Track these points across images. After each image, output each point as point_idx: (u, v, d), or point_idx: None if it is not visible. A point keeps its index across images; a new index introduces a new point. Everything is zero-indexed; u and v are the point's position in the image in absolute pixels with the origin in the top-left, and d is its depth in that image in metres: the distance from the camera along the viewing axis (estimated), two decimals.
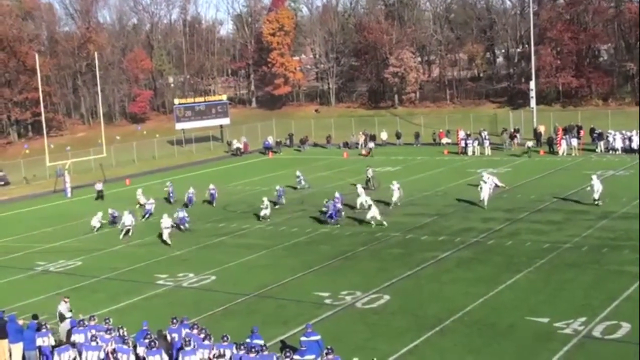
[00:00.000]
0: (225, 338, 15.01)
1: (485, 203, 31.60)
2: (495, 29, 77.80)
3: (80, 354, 15.68)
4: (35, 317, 17.85)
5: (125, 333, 16.12)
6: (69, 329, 17.03)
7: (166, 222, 30.21)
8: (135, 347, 15.47)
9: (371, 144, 54.64)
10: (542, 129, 52.56)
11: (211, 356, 14.67)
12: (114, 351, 15.38)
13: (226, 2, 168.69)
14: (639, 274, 20.88)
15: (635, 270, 21.38)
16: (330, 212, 30.53)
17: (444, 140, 55.85)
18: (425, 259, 24.46)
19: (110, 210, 34.25)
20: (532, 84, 56.44)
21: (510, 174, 40.45)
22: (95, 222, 33.29)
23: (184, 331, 15.88)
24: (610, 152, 47.01)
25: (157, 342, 15.17)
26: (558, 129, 49.45)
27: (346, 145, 59.61)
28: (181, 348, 15.05)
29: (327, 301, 20.64)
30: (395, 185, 33.45)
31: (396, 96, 77.33)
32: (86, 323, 16.81)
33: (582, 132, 49.66)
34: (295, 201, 36.97)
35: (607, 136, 48.04)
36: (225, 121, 67.48)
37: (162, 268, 25.81)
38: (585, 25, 68.30)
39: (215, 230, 31.75)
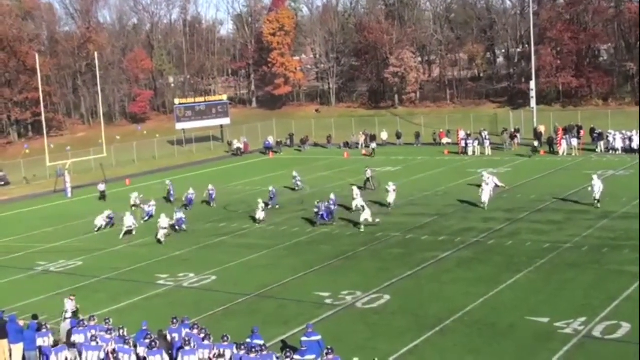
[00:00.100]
0: (225, 338, 15.03)
1: (486, 205, 31.49)
2: (495, 29, 77.79)
3: (80, 354, 15.70)
4: (35, 317, 17.86)
5: (126, 333, 16.13)
6: (69, 329, 17.04)
7: (164, 222, 30.32)
8: (135, 347, 15.48)
9: (373, 144, 54.58)
10: (542, 129, 52.54)
11: (211, 356, 14.69)
12: (114, 351, 15.40)
13: (226, 2, 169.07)
14: (639, 273, 20.89)
15: (635, 270, 21.39)
16: (321, 213, 30.42)
17: (445, 140, 55.85)
18: (425, 259, 24.46)
19: (107, 212, 34.16)
20: (532, 84, 56.44)
21: (510, 174, 40.46)
22: (100, 221, 33.34)
23: (184, 331, 15.89)
24: (611, 152, 47.00)
25: (157, 342, 15.18)
26: (558, 129, 49.44)
27: (347, 145, 59.61)
28: (181, 347, 15.07)
29: (328, 301, 20.65)
30: (391, 187, 33.29)
31: (396, 96, 77.32)
32: (86, 323, 16.83)
33: (582, 132, 49.66)
34: (295, 201, 36.98)
35: (607, 136, 48.03)
36: (226, 121, 67.49)
37: (162, 268, 25.82)
38: (585, 25, 68.29)
39: (216, 230, 31.76)
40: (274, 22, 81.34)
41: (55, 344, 15.97)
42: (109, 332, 16.07)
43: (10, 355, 16.90)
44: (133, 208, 36.41)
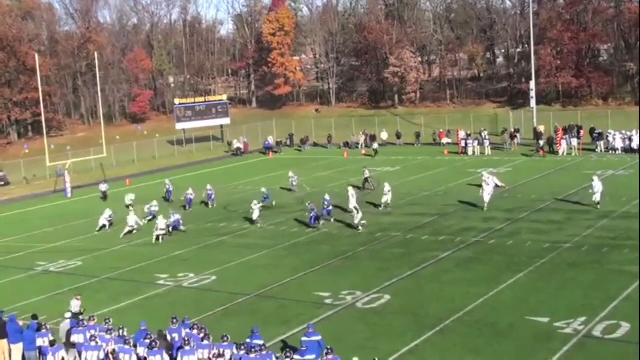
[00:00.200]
0: (225, 338, 15.02)
1: (486, 206, 31.39)
2: (495, 29, 77.78)
3: (80, 354, 15.70)
4: (35, 317, 17.84)
5: (126, 333, 16.12)
6: (69, 329, 17.03)
7: (161, 223, 30.36)
8: (135, 347, 15.47)
9: (375, 145, 54.50)
10: (542, 129, 52.53)
11: (211, 356, 14.69)
12: (114, 352, 15.39)
13: (226, 2, 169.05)
14: (639, 273, 20.88)
15: (635, 269, 21.39)
16: (312, 214, 30.27)
17: (444, 140, 55.85)
18: (425, 258, 24.46)
19: (108, 212, 34.16)
20: (532, 84, 56.43)
21: (510, 174, 40.46)
22: (102, 220, 33.38)
23: (184, 331, 15.89)
24: (610, 152, 47.01)
25: (157, 342, 15.17)
26: (558, 129, 49.44)
27: (347, 145, 59.62)
28: (181, 347, 15.07)
29: (328, 301, 20.65)
30: (386, 188, 33.09)
31: (396, 96, 77.33)
32: (86, 323, 16.82)
33: (582, 132, 49.65)
34: (295, 201, 36.96)
35: (607, 136, 48.05)
36: (226, 121, 67.49)
37: (162, 268, 25.81)
38: (585, 25, 68.28)
39: (216, 230, 31.75)
40: (274, 22, 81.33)
41: (52, 343, 15.97)
42: (108, 332, 16.06)
43: (10, 355, 16.89)
44: (129, 209, 36.42)
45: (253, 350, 14.26)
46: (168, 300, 22.11)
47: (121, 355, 15.11)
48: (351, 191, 32.53)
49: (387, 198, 32.90)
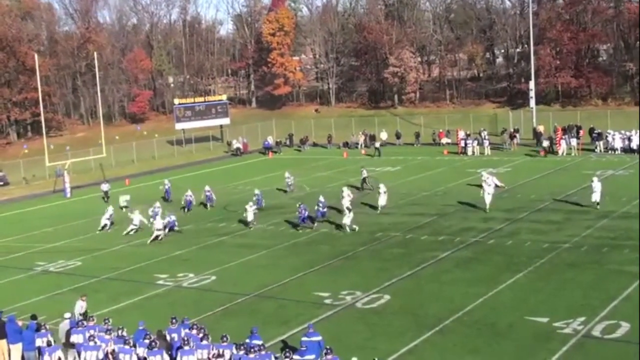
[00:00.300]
0: (224, 338, 15.02)
1: (488, 207, 31.13)
2: (494, 29, 77.80)
3: (79, 354, 15.69)
4: (34, 317, 17.83)
5: (125, 333, 16.12)
6: (68, 329, 17.02)
7: (158, 223, 30.41)
8: (135, 347, 15.46)
9: (377, 144, 54.44)
10: (541, 128, 52.59)
11: (210, 356, 14.69)
12: (114, 352, 15.38)
13: (226, 2, 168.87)
14: (639, 273, 20.89)
15: (634, 269, 21.40)
16: (302, 216, 30.09)
17: (444, 140, 55.88)
18: (425, 258, 24.47)
19: (109, 212, 34.19)
20: (532, 84, 56.45)
21: (510, 174, 40.47)
22: (104, 220, 33.39)
23: (184, 331, 15.89)
24: (610, 152, 47.03)
25: (157, 342, 15.17)
26: (557, 129, 49.47)
27: (346, 145, 59.63)
28: (180, 347, 15.08)
29: (327, 301, 20.65)
30: (382, 189, 32.89)
31: (396, 96, 77.33)
32: (85, 323, 16.81)
33: (581, 132, 49.68)
34: (295, 201, 36.91)
35: (607, 136, 48.06)
36: (225, 121, 67.48)
37: (162, 268, 25.80)
38: (585, 25, 68.29)
39: (216, 230, 31.75)
40: (274, 22, 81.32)
41: (49, 343, 15.95)
42: (108, 332, 16.06)
43: (9, 355, 16.87)
44: (123, 210, 36.37)
45: (252, 350, 14.26)
46: (168, 300, 22.11)
47: (121, 356, 15.10)
48: (346, 191, 32.40)
49: (382, 200, 32.67)
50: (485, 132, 52.49)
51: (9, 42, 71.59)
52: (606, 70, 68.76)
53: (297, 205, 31.03)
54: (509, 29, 76.03)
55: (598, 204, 29.86)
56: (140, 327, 16.32)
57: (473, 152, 50.80)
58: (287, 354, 13.70)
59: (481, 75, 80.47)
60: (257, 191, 35.71)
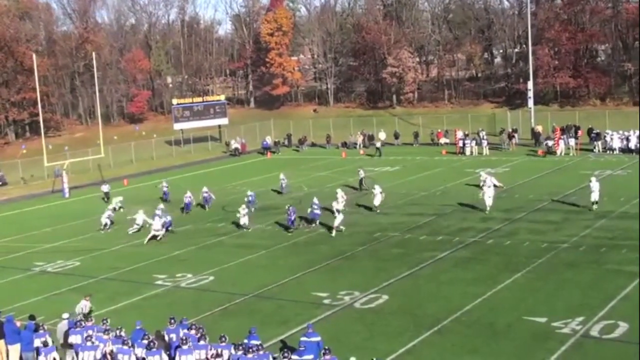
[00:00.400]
0: (223, 338, 15.02)
1: (488, 209, 30.97)
2: (493, 29, 77.87)
3: (77, 354, 15.67)
4: (32, 317, 17.81)
5: (123, 334, 16.10)
6: (67, 329, 17.01)
7: (157, 224, 30.45)
8: (133, 347, 15.44)
9: (379, 144, 54.35)
10: (540, 129, 52.63)
11: (209, 356, 14.68)
12: (112, 352, 15.37)
13: (224, 2, 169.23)
14: (639, 273, 20.90)
15: (633, 269, 21.42)
16: (291, 218, 29.93)
17: (442, 140, 55.90)
18: (423, 258, 24.47)
19: (109, 211, 34.17)
20: (530, 84, 56.49)
21: (508, 174, 40.49)
22: (105, 219, 33.38)
23: (182, 332, 15.88)
24: (608, 152, 47.07)
25: (155, 342, 15.16)
26: (556, 129, 49.51)
27: (345, 145, 59.64)
28: (179, 346, 15.08)
29: (326, 301, 20.65)
30: (377, 190, 32.76)
31: (394, 96, 77.37)
32: (83, 324, 16.78)
33: (580, 132, 49.71)
34: (293, 201, 36.92)
35: (605, 136, 48.11)
36: (224, 121, 67.47)
37: (160, 268, 25.78)
38: (583, 25, 68.37)
39: (214, 230, 31.73)
40: (272, 22, 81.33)
41: (45, 344, 15.95)
42: (106, 332, 16.05)
43: (7, 356, 16.85)
44: (115, 211, 36.22)
45: (250, 350, 14.26)
46: (166, 300, 22.09)
47: (120, 356, 15.08)
48: (340, 193, 32.24)
49: (378, 200, 32.46)
50: (484, 132, 52.52)
51: (7, 42, 71.53)
52: (604, 70, 68.85)
53: (286, 208, 30.82)
54: (507, 29, 76.11)
55: (596, 203, 29.77)
56: (138, 327, 16.31)
57: (471, 152, 50.82)
58: (286, 354, 13.70)
59: (479, 75, 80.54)
60: (250, 192, 35.53)
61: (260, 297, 21.66)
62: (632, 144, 45.93)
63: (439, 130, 57.52)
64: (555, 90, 68.33)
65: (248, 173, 49.53)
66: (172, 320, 16.42)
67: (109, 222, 33.52)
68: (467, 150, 50.93)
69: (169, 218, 31.88)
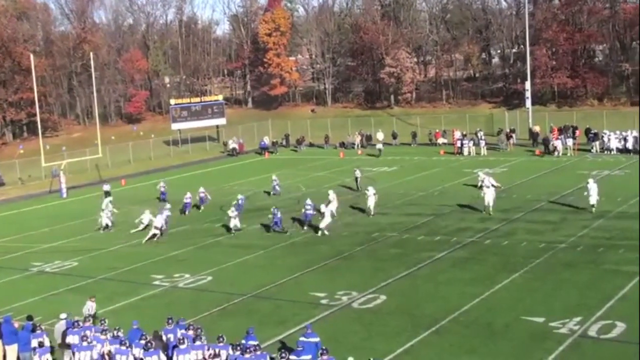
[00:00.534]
0: (221, 339, 15.01)
1: (491, 209, 30.60)
2: (491, 29, 77.90)
3: (74, 354, 15.65)
4: (30, 318, 17.78)
5: (121, 334, 16.09)
6: (64, 330, 16.99)
7: (158, 222, 30.46)
8: (130, 347, 15.42)
9: (380, 145, 54.32)
10: (537, 129, 52.67)
11: (207, 356, 14.68)
12: (110, 353, 15.35)
13: (222, 2, 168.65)
14: (639, 273, 20.92)
15: (630, 269, 21.45)
16: (275, 219, 29.82)
17: (440, 140, 55.93)
18: (421, 259, 24.48)
19: (108, 213, 34.14)
20: (528, 84, 56.54)
21: (506, 174, 40.52)
22: (105, 220, 33.36)
23: (179, 332, 15.88)
24: (606, 152, 47.12)
25: (153, 343, 15.15)
26: (553, 129, 49.55)
27: (343, 145, 59.65)
28: (176, 346, 15.08)
29: (324, 301, 20.65)
30: (370, 191, 32.34)
31: (392, 96, 77.37)
32: (81, 324, 16.77)
33: (578, 132, 49.77)
34: (293, 201, 36.94)
35: (603, 136, 48.16)
36: (222, 121, 67.45)
37: (158, 268, 25.77)
38: (581, 25, 68.42)
39: (212, 231, 31.71)
40: (270, 23, 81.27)
41: (41, 344, 15.91)
42: (103, 332, 16.03)
43: (5, 356, 16.82)
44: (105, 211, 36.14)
45: (248, 350, 14.26)
46: (164, 300, 22.08)
47: (117, 357, 15.05)
48: (332, 195, 31.96)
49: (371, 202, 32.04)
50: (482, 133, 52.54)
51: (4, 42, 71.40)
52: (602, 70, 68.89)
53: (272, 209, 30.60)
54: (505, 30, 76.13)
55: (593, 206, 29.41)
56: (135, 327, 16.30)
57: (469, 153, 50.85)
58: (283, 354, 13.70)
59: (477, 75, 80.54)
60: (240, 196, 35.35)
61: (258, 297, 21.66)
62: (630, 144, 46.00)
63: (437, 131, 57.56)
64: (553, 90, 68.36)
65: (246, 173, 49.51)
66: (170, 321, 16.42)
67: (109, 223, 33.47)
68: (465, 151, 50.96)
69: (169, 213, 31.95)
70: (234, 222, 30.51)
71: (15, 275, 26.50)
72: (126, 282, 24.53)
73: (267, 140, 61.35)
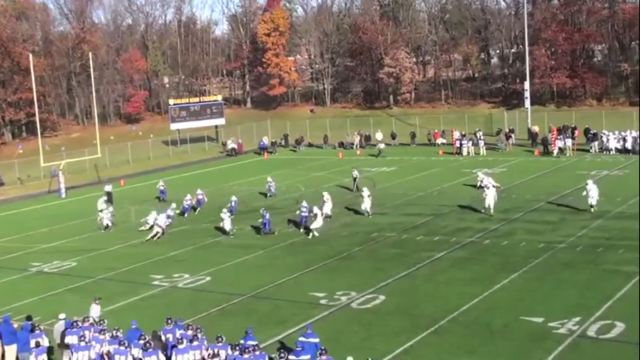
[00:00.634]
0: (220, 339, 15.01)
1: (492, 210, 30.46)
2: (489, 29, 77.91)
3: (73, 354, 15.64)
4: (29, 318, 17.77)
5: (120, 334, 16.07)
6: (63, 330, 16.97)
7: (161, 220, 30.50)
8: (129, 348, 15.41)
9: (381, 145, 54.28)
10: (536, 129, 52.70)
11: (206, 356, 14.67)
12: (109, 353, 15.33)
13: (221, 2, 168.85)
14: (639, 273, 20.92)
15: (629, 269, 21.46)
16: (264, 221, 29.73)
17: (439, 140, 55.94)
18: (421, 259, 24.48)
19: (108, 214, 34.17)
20: (527, 85, 56.57)
21: (505, 174, 40.53)
22: (106, 220, 33.37)
23: (178, 332, 15.87)
24: (605, 152, 47.14)
25: (152, 343, 15.14)
26: (552, 129, 49.57)
27: (341, 145, 59.64)
28: (174, 346, 15.07)
29: (323, 301, 20.64)
30: (365, 193, 32.19)
31: (391, 96, 77.35)
32: (80, 324, 16.75)
33: (577, 132, 49.80)
34: (292, 202, 36.93)
35: (601, 136, 48.18)
36: (220, 121, 67.44)
37: (157, 268, 25.75)
38: (580, 25, 68.46)
39: (211, 231, 31.68)
40: (269, 23, 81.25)
41: (37, 344, 15.89)
42: (102, 332, 16.02)
43: (3, 356, 16.81)
44: (101, 213, 36.15)
45: (247, 350, 14.25)
46: (163, 300, 22.06)
47: (116, 357, 15.04)
48: (326, 196, 31.95)
49: (366, 204, 31.88)
50: (481, 133, 52.56)
51: (3, 42, 71.30)
52: (601, 70, 68.89)
53: (261, 211, 30.50)
54: (504, 30, 76.14)
55: (592, 206, 29.34)
56: (133, 327, 16.28)
57: (468, 153, 50.87)
58: (282, 355, 13.69)
59: (476, 75, 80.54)
60: (233, 197, 35.27)
61: (258, 298, 21.65)
62: (629, 144, 46.02)
63: (436, 131, 57.58)
64: (552, 90, 68.38)
65: (245, 173, 49.50)
66: (169, 321, 16.42)
67: (110, 224, 33.46)
68: (464, 151, 50.98)
69: (173, 213, 32.07)
70: (227, 224, 30.40)
71: (14, 276, 26.47)
72: (125, 282, 24.51)
73: (266, 141, 61.35)
